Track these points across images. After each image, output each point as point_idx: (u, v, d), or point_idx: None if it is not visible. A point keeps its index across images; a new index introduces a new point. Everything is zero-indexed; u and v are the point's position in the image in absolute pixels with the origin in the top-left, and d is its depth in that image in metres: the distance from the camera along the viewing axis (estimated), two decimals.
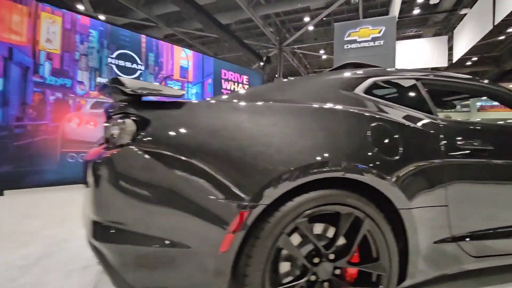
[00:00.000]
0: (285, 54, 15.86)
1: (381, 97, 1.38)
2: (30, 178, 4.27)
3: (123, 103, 1.03)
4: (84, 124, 4.84)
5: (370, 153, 1.10)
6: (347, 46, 7.49)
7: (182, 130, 0.98)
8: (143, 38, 5.52)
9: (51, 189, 4.27)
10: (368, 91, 1.33)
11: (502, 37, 13.31)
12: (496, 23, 9.20)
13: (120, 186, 0.93)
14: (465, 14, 10.95)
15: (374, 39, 7.27)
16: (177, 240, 0.91)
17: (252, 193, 0.93)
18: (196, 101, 1.21)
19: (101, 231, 0.94)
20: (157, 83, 1.32)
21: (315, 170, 0.99)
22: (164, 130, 0.97)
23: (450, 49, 12.09)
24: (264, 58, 13.96)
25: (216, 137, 0.98)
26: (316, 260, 1.04)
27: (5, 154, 4.02)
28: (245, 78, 7.30)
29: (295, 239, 1.05)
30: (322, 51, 17.48)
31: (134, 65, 5.41)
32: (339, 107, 1.20)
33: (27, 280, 1.53)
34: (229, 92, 7.02)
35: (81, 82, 4.81)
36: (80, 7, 9.12)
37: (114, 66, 5.16)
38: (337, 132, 1.11)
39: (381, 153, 1.11)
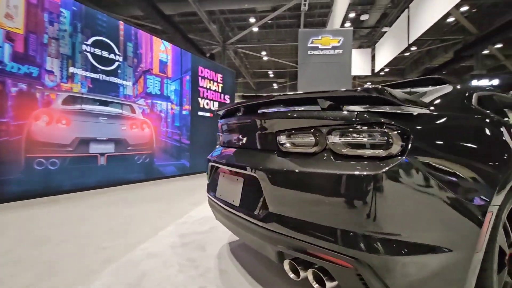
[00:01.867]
0: (228, 53, 15.95)
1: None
2: None
3: (378, 112, 0.97)
4: (54, 123, 3.95)
5: None
6: (311, 52, 8.21)
7: (441, 140, 1.04)
8: (121, 24, 4.80)
9: (13, 205, 3.36)
10: (479, 103, 1.38)
11: (407, 53, 16.74)
12: (410, 42, 11.59)
13: (398, 200, 0.90)
14: (385, 32, 13.36)
15: (334, 48, 8.19)
16: (442, 245, 0.94)
17: (500, 195, 1.07)
18: (443, 112, 1.16)
19: (382, 244, 0.89)
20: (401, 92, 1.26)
21: None
22: (427, 141, 0.99)
23: (372, 59, 14.53)
24: (208, 55, 13.74)
25: (473, 144, 1.11)
26: None
27: None
28: (219, 76, 7.14)
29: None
30: (264, 53, 18.27)
31: (112, 55, 4.67)
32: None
33: None
34: (205, 90, 6.77)
35: (50, 72, 3.89)
36: None
37: (89, 55, 4.34)
38: None
39: None
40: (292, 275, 1.12)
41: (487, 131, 1.24)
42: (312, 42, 7.96)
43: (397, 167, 0.89)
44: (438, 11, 9.50)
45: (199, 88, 6.55)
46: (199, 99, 6.58)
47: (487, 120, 1.28)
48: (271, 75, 24.47)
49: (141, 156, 5.19)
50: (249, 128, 1.39)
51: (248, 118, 1.40)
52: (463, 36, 14.86)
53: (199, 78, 6.52)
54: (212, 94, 6.91)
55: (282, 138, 1.17)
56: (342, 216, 0.94)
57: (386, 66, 18.94)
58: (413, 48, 15.40)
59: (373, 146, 0.95)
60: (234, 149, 1.59)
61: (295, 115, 1.15)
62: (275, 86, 27.36)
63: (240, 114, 1.50)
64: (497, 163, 1.13)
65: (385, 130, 0.94)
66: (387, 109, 0.97)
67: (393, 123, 0.95)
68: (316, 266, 1.04)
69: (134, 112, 5.04)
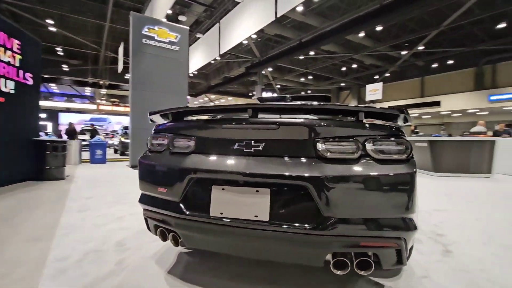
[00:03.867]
0: None
1: None
2: None
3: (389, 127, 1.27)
4: None
5: None
6: (146, 41, 7.18)
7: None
8: None
9: None
10: None
11: (213, 61, 18.91)
12: (221, 53, 13.30)
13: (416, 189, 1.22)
14: (199, 38, 14.43)
15: (171, 43, 7.64)
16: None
17: None
18: None
19: (412, 222, 1.18)
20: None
21: None
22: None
23: None
24: None
25: None
26: None
27: None
28: (16, 43, 4.57)
29: None
30: (50, 21, 13.87)
31: None
32: None
33: None
34: None
35: None
36: None
37: None
38: None
39: None
40: (339, 272, 1.20)
41: None
42: (148, 31, 7.13)
43: (415, 166, 1.21)
44: (242, 34, 11.60)
45: None
46: None
47: None
48: (60, 53, 19.12)
49: None
50: (270, 134, 1.29)
51: (271, 123, 1.30)
52: (251, 57, 19.09)
53: None
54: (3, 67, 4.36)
55: (323, 145, 1.22)
56: (390, 208, 1.15)
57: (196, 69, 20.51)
58: (218, 58, 17.82)
59: (398, 152, 1.22)
60: (237, 157, 1.33)
61: (337, 124, 1.26)
62: (65, 67, 21.59)
63: (251, 117, 1.35)
64: None
65: (404, 139, 1.25)
66: (402, 124, 1.31)
67: (403, 133, 1.29)
68: (359, 257, 1.19)
69: None
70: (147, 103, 6.84)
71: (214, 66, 23.52)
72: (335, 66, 21.12)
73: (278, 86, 26.69)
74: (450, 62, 18.65)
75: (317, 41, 14.62)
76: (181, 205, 1.35)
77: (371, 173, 1.15)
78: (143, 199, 1.55)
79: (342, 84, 24.86)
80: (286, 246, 1.23)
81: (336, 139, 1.22)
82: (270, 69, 21.18)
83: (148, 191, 1.52)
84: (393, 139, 1.23)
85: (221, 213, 1.27)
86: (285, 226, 1.17)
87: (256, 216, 1.21)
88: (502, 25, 13.36)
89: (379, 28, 13.99)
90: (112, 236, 2.22)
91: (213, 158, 1.36)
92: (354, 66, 20.25)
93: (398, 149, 1.22)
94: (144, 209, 1.54)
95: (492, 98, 16.96)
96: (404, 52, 16.02)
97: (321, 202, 1.14)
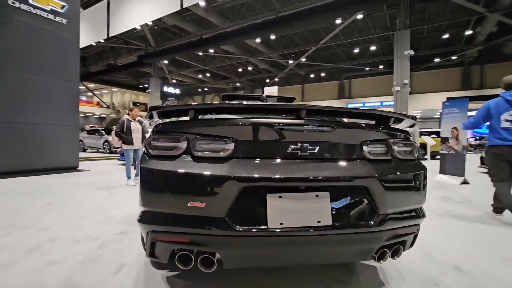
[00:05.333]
0: None
1: None
2: None
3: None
4: None
5: None
6: (14, 3, 5.17)
7: None
8: None
9: None
10: None
11: (94, 44, 15.93)
12: (111, 35, 11.43)
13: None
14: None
15: (54, 13, 5.66)
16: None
17: None
18: None
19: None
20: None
21: None
22: None
23: None
24: None
25: None
26: None
27: None
28: None
29: None
30: None
31: None
32: None
33: None
34: None
35: None
36: None
37: None
38: None
39: None
40: (381, 262, 1.31)
41: None
42: None
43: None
44: (139, 17, 10.39)
45: None
46: None
47: None
48: None
49: None
50: (325, 137, 1.27)
51: (327, 125, 1.27)
52: (145, 45, 17.34)
53: None
54: None
55: (367, 148, 1.31)
56: (416, 199, 1.34)
57: None
58: (102, 41, 15.26)
59: (411, 152, 1.42)
60: (292, 161, 1.22)
61: (376, 128, 1.39)
62: None
63: (302, 119, 1.27)
64: None
65: (412, 141, 1.47)
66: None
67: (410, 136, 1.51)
68: (395, 245, 1.31)
69: None
70: (10, 86, 5.11)
71: (95, 49, 19.98)
72: (233, 66, 22.01)
73: (174, 81, 25.41)
74: (323, 74, 22.86)
75: (218, 40, 14.82)
76: (228, 220, 1.12)
77: (407, 171, 1.34)
78: (151, 219, 1.18)
79: (238, 84, 26.19)
80: (345, 247, 1.25)
81: (377, 142, 1.35)
82: (166, 61, 19.87)
83: (163, 207, 1.17)
84: (408, 141, 1.44)
85: (281, 223, 1.14)
86: (346, 227, 1.19)
87: (319, 222, 1.16)
88: (356, 50, 17.48)
89: (273, 37, 15.55)
90: None
91: (263, 163, 1.19)
92: (250, 68, 21.72)
93: (411, 149, 1.42)
94: (152, 231, 1.17)
95: (350, 105, 21.96)
96: (291, 62, 18.43)
97: (378, 201, 1.22)
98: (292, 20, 11.89)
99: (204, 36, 14.97)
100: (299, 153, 1.22)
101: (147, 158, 1.22)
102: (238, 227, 1.12)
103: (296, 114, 1.29)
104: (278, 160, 1.21)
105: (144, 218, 1.18)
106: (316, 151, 1.24)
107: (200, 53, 18.10)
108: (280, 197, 1.16)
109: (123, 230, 2.25)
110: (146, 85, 21.78)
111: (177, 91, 19.73)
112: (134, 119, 4.53)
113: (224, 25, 14.13)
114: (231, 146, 1.19)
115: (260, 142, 1.23)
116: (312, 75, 23.49)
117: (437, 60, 16.99)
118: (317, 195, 1.19)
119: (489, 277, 1.58)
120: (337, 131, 1.27)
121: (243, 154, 1.20)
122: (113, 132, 4.69)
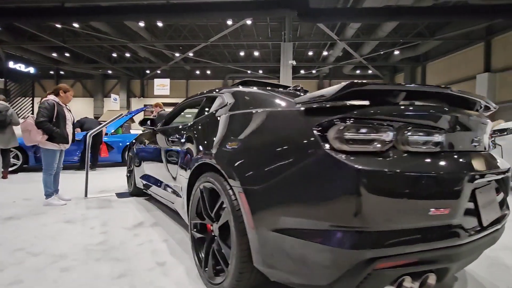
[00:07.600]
0: None
1: None
2: None
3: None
4: None
5: None
6: None
7: None
8: None
9: None
10: None
11: None
12: None
13: None
14: None
15: None
16: None
17: None
18: None
19: None
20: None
21: None
22: None
23: None
24: None
25: None
26: None
27: None
28: None
29: None
30: None
31: None
32: None
33: None
34: None
35: None
36: None
37: None
38: None
39: None
40: None
41: None
42: None
43: None
44: None
45: None
46: None
47: None
48: None
49: None
50: (482, 127, 1.30)
51: (479, 116, 1.29)
52: None
53: None
54: None
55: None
56: None
57: None
58: None
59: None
60: (473, 153, 1.21)
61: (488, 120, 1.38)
62: None
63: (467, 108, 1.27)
64: None
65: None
66: None
67: None
68: None
69: None
70: None
71: None
72: (103, 49, 18.49)
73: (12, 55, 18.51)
74: (208, 72, 22.90)
75: (87, 13, 11.93)
76: (464, 225, 1.02)
77: None
78: (376, 241, 0.89)
79: (109, 72, 22.24)
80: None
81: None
82: None
83: (396, 222, 0.92)
84: None
85: (487, 220, 1.12)
86: (499, 219, 1.25)
87: (494, 217, 1.20)
88: (242, 53, 18.53)
89: (160, 24, 14.13)
90: None
91: (467, 157, 1.13)
92: (128, 55, 18.88)
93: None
94: (371, 259, 0.88)
95: None
96: (177, 54, 17.38)
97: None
98: (183, 10, 11.17)
99: (67, 4, 11.80)
100: (476, 146, 1.24)
101: (351, 158, 0.93)
102: (470, 230, 1.03)
103: (471, 106, 1.31)
104: (469, 153, 1.18)
105: (365, 242, 0.88)
106: (478, 143, 1.26)
107: (58, 25, 14.16)
108: (480, 192, 1.13)
109: None
110: None
111: (31, 70, 14.69)
112: (66, 104, 3.16)
113: None
114: (440, 139, 1.06)
115: (459, 134, 1.16)
116: (197, 72, 23.09)
117: (302, 72, 20.47)
118: (491, 188, 1.21)
119: None
120: (485, 121, 1.36)
121: (450, 148, 1.11)
122: (28, 120, 3.02)
